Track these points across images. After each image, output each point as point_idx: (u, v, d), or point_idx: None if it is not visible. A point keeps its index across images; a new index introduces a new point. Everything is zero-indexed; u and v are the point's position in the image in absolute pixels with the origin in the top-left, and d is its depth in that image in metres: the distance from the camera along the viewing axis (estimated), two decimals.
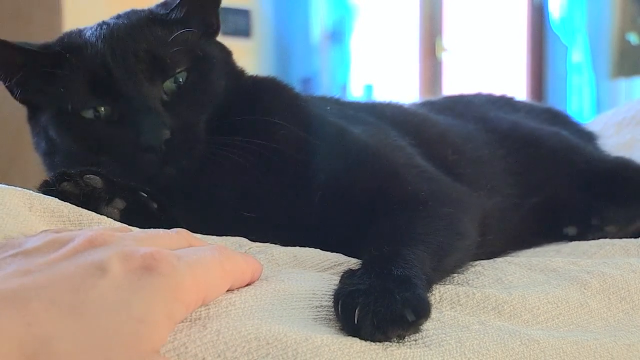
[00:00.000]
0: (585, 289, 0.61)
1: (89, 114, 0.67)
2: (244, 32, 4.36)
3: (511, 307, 0.56)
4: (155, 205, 0.64)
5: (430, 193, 0.70)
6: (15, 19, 3.19)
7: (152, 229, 0.48)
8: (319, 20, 4.49)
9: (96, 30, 0.71)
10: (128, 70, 0.67)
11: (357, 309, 0.46)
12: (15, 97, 0.72)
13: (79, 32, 0.72)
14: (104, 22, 0.73)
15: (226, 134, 0.69)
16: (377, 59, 4.47)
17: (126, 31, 0.70)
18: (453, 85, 4.39)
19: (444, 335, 0.49)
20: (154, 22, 0.72)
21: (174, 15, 0.72)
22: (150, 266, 0.38)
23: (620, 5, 4.15)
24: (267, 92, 0.78)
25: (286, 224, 0.68)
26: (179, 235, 0.47)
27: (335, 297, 0.50)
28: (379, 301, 0.47)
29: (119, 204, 0.62)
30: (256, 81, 0.80)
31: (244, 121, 0.71)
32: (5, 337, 0.33)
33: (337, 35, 4.49)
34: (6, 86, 0.71)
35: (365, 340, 0.46)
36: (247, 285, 0.49)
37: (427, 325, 0.50)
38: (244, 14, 4.39)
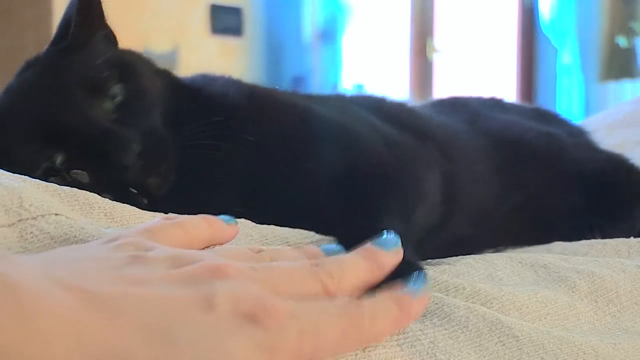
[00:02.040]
0: (573, 292, 0.61)
1: (47, 165, 0.64)
2: (236, 30, 4.36)
3: (500, 304, 0.56)
4: (146, 201, 0.63)
5: (395, 162, 0.73)
6: (6, 17, 3.19)
7: (286, 263, 0.43)
8: (311, 19, 4.50)
9: (8, 94, 0.68)
10: (68, 106, 0.65)
11: None
12: None
13: None
14: (8, 86, 0.69)
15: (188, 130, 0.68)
16: (368, 58, 4.48)
17: (44, 77, 0.68)
18: (444, 86, 4.41)
19: (420, 332, 0.49)
20: (62, 56, 0.69)
21: (76, 42, 0.70)
22: (257, 317, 0.36)
23: (609, 8, 4.17)
24: (221, 85, 0.78)
25: (282, 209, 0.68)
26: (310, 273, 0.42)
27: None
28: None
29: (107, 199, 0.61)
30: (198, 78, 0.80)
31: (202, 113, 0.70)
32: (83, 342, 0.31)
33: (329, 35, 4.50)
34: None
35: None
36: None
37: None
38: (236, 12, 4.39)
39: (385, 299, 0.43)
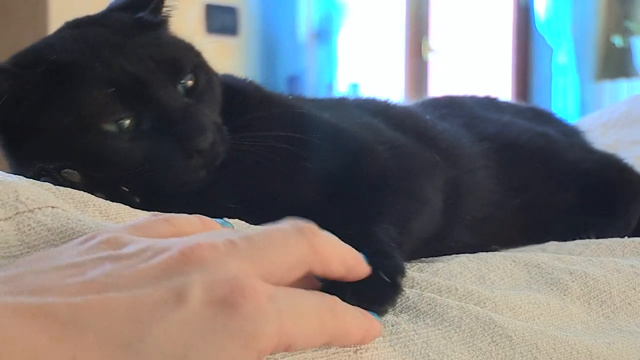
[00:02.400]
0: (565, 294, 0.61)
1: (111, 127, 0.62)
2: (231, 30, 4.35)
3: (493, 304, 0.56)
4: (138, 200, 0.63)
5: (396, 167, 0.72)
6: (3, 16, 3.18)
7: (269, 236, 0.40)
8: (306, 18, 4.50)
9: (79, 43, 0.66)
10: (154, 75, 0.63)
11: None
12: None
13: (61, 41, 0.67)
14: (82, 33, 0.68)
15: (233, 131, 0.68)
16: (363, 58, 4.48)
17: (126, 38, 0.66)
18: (439, 85, 4.41)
19: (413, 332, 0.49)
20: (146, 26, 0.68)
21: (160, 18, 0.71)
22: (233, 303, 0.34)
23: (605, 7, 4.18)
24: (247, 90, 0.78)
25: (281, 210, 0.68)
26: (294, 232, 0.40)
27: None
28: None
29: (100, 198, 0.61)
30: (227, 78, 0.79)
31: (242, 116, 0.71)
32: None
33: (324, 34, 4.49)
34: None
35: None
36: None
37: (402, 318, 0.50)
38: (231, 11, 4.38)
39: (351, 306, 0.42)
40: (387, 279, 0.50)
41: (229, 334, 0.33)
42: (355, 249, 0.45)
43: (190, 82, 0.67)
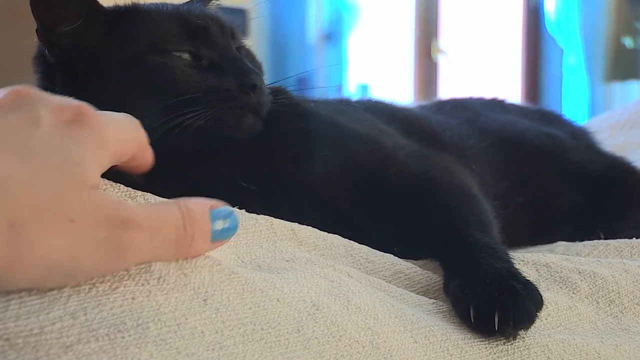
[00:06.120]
0: (574, 293, 0.61)
1: (179, 54, 0.70)
2: (240, 31, 4.36)
3: None
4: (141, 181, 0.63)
5: (435, 171, 0.74)
6: (9, 19, 3.18)
7: None
8: (315, 20, 4.50)
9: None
10: (220, 28, 0.74)
11: (496, 313, 0.51)
12: (54, 51, 0.70)
13: None
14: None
15: None
16: (372, 59, 4.48)
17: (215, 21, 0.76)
18: (448, 87, 4.40)
19: (433, 324, 0.49)
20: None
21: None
22: (79, 119, 0.41)
23: (615, 9, 4.16)
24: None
25: (291, 202, 0.69)
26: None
27: (457, 301, 0.54)
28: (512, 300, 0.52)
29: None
30: None
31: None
32: None
33: (333, 36, 4.50)
34: (45, 38, 0.70)
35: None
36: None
37: (418, 310, 0.51)
38: (240, 13, 4.38)
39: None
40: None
41: (86, 139, 0.41)
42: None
43: (237, 44, 0.76)
